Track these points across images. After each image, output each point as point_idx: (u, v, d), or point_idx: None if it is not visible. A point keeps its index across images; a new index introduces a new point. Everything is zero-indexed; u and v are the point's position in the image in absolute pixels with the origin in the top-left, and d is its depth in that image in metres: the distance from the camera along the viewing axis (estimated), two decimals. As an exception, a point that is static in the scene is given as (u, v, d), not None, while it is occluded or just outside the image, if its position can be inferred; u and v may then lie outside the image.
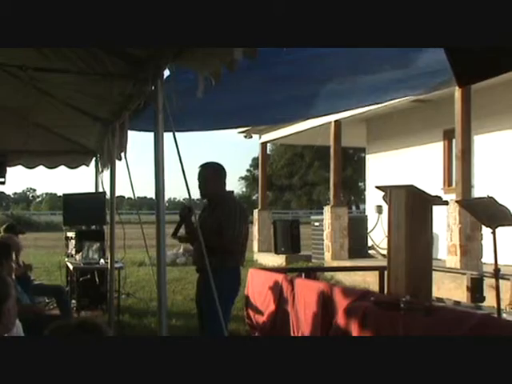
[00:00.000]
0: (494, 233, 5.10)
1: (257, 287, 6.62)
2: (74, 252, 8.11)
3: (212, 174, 4.59)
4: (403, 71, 4.38)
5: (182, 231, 4.74)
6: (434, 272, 5.31)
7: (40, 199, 79.96)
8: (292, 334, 5.78)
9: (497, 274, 5.19)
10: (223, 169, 4.68)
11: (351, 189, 39.57)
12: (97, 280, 7.52)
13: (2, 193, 53.67)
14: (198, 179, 4.61)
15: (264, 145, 16.10)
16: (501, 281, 5.40)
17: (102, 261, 7.47)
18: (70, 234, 8.44)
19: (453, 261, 8.91)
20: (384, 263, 5.90)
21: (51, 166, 8.36)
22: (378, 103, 7.67)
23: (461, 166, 8.90)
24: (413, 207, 5.15)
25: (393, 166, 13.03)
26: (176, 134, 3.55)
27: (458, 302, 6.44)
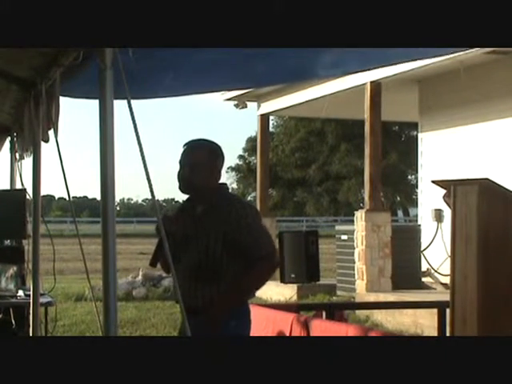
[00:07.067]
0: None
1: (257, 331, 6.65)
2: (-23, 280, 8.14)
3: (208, 158, 4.48)
4: None
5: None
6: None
7: None
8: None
9: None
10: (222, 152, 4.59)
11: (396, 185, 39.67)
12: (12, 321, 7.54)
13: None
14: (182, 163, 4.48)
15: (265, 118, 16.08)
16: None
17: (20, 293, 7.50)
18: (-27, 254, 8.46)
19: (550, 293, 8.95)
20: (446, 297, 5.92)
21: None
22: (437, 56, 7.63)
23: (561, 149, 8.94)
24: (489, 211, 5.17)
25: (458, 150, 13.06)
26: (132, 102, 3.56)
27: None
